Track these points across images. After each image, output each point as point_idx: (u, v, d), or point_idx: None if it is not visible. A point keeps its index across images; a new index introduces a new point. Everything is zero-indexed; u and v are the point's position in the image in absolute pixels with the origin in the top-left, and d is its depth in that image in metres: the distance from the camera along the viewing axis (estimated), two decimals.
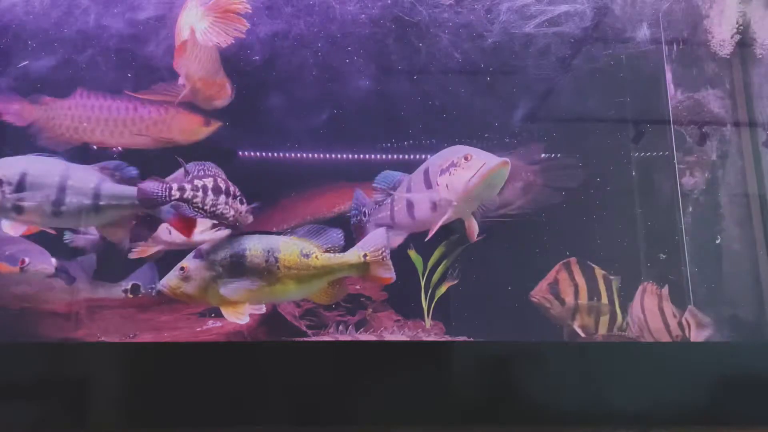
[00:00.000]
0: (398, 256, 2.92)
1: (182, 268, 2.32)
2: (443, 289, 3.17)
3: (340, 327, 2.89)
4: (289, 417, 1.97)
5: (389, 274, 2.43)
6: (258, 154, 3.54)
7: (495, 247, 3.14)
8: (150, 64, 2.98)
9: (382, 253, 2.42)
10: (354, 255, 2.40)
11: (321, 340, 2.81)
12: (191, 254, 2.35)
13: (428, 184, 2.65)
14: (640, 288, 3.02)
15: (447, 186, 2.55)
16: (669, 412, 2.04)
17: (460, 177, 2.52)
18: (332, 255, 2.40)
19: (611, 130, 3.62)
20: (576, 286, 3.12)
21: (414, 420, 1.99)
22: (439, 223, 2.57)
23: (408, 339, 2.89)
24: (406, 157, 3.48)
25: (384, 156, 3.53)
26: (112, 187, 2.44)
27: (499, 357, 2.10)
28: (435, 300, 3.15)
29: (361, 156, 3.57)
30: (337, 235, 2.43)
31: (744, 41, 3.20)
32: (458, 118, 3.36)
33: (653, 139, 3.51)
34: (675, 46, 3.35)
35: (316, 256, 2.37)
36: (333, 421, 1.98)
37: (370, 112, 3.33)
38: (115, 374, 2.00)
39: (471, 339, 2.80)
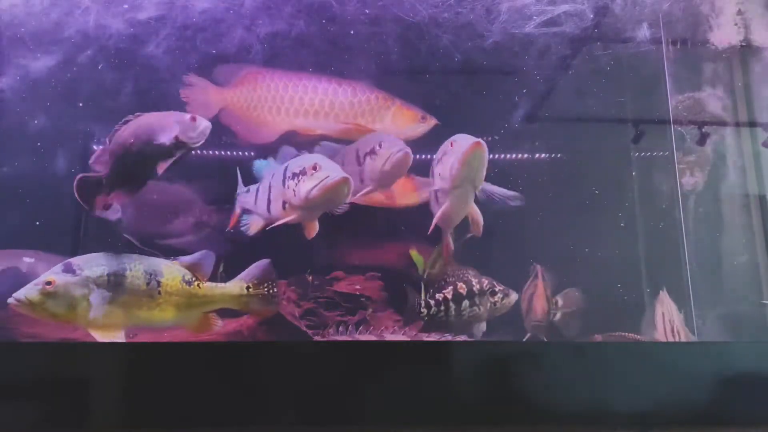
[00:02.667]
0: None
1: (48, 282, 2.09)
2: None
3: (340, 327, 2.89)
4: (289, 417, 1.97)
5: (270, 307, 2.38)
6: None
7: (494, 246, 3.14)
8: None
9: (267, 286, 2.35)
10: (236, 286, 2.34)
11: (321, 340, 2.80)
12: (58, 267, 2.16)
13: (431, 175, 2.67)
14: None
15: (440, 174, 2.58)
16: (669, 412, 2.04)
17: (446, 163, 2.55)
18: (214, 285, 2.31)
19: (611, 130, 3.62)
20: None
21: (414, 420, 1.99)
22: (439, 214, 2.58)
23: (408, 339, 2.89)
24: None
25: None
26: None
27: (499, 357, 2.10)
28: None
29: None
30: (209, 260, 2.33)
31: (744, 41, 3.20)
32: (458, 118, 3.36)
33: (653, 139, 3.51)
34: (675, 46, 3.35)
35: (198, 285, 2.28)
36: (333, 421, 1.98)
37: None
38: (115, 374, 2.00)
39: (471, 339, 2.80)
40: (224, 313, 2.56)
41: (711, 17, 3.19)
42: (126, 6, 2.89)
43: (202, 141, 2.32)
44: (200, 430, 1.96)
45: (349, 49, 3.15)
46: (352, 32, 3.10)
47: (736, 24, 3.17)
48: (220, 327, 2.45)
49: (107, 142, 2.35)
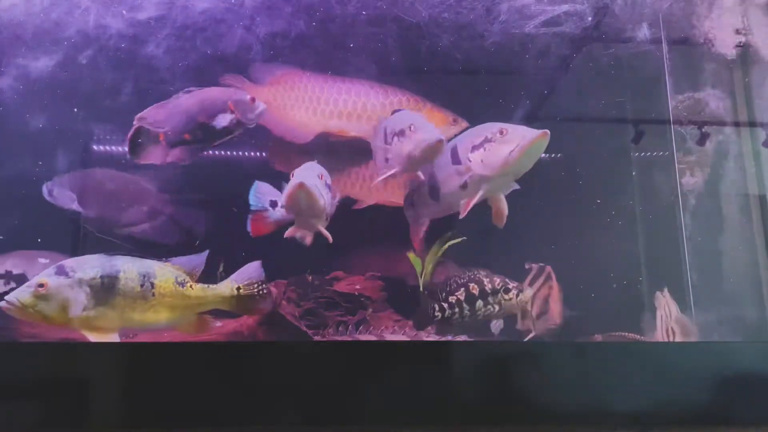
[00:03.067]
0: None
1: (41, 285, 2.08)
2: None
3: (340, 327, 2.89)
4: (289, 417, 1.97)
5: (262, 308, 2.40)
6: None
7: (491, 246, 3.14)
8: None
9: (257, 287, 2.36)
10: (227, 288, 2.34)
11: (321, 340, 2.80)
12: (50, 269, 2.16)
13: (456, 161, 2.58)
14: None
15: (482, 161, 2.48)
16: (669, 412, 2.04)
17: (497, 151, 2.45)
18: (206, 286, 2.32)
19: (611, 130, 3.63)
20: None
21: (414, 420, 1.99)
22: (474, 201, 2.51)
23: (408, 339, 2.89)
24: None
25: None
26: None
27: (499, 357, 2.10)
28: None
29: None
30: (199, 260, 2.35)
31: (744, 41, 3.20)
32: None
33: (653, 139, 3.51)
34: (675, 45, 3.35)
35: (191, 286, 2.28)
36: (333, 421, 1.98)
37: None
38: (115, 374, 2.00)
39: (471, 339, 2.80)
40: (224, 314, 2.56)
41: (711, 17, 3.19)
42: (126, 6, 2.89)
43: (255, 124, 2.48)
44: (200, 430, 1.97)
45: (349, 49, 3.15)
46: (352, 32, 3.10)
47: (736, 24, 3.17)
48: (215, 328, 2.47)
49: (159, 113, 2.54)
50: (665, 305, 3.00)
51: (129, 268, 2.20)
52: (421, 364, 2.06)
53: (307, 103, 2.92)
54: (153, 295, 2.21)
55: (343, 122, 2.94)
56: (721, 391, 2.07)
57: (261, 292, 2.38)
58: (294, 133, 2.93)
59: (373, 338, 2.84)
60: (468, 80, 3.40)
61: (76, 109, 3.11)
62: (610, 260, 3.40)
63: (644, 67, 3.36)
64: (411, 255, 3.10)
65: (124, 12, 2.86)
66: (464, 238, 2.99)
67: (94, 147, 3.32)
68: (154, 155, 2.61)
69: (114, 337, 2.18)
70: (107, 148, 3.35)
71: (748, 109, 3.39)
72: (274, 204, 2.63)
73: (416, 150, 2.55)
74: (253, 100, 2.49)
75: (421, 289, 3.09)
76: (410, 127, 2.59)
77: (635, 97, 3.53)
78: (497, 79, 3.38)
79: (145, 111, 2.61)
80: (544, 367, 2.09)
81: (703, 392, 2.08)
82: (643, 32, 3.13)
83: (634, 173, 3.57)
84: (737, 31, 3.17)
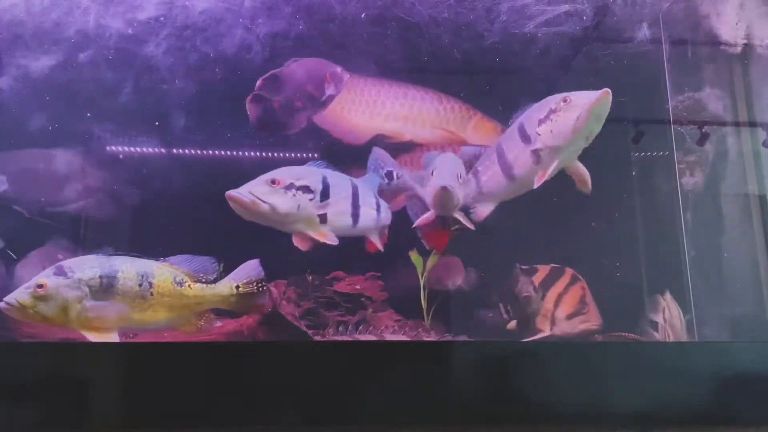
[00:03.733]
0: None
1: (40, 285, 2.09)
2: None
3: (340, 327, 2.89)
4: (289, 417, 1.97)
5: (262, 306, 2.40)
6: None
7: (488, 245, 3.14)
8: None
9: (256, 285, 2.37)
10: (226, 286, 2.35)
11: (321, 340, 2.80)
12: (50, 269, 2.17)
13: (526, 139, 2.62)
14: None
15: (551, 132, 2.54)
16: (669, 412, 2.04)
17: (565, 119, 2.52)
18: (204, 285, 2.32)
19: (611, 130, 3.62)
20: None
21: (414, 420, 1.99)
22: (549, 172, 2.56)
23: (408, 339, 2.89)
24: (407, 156, 3.48)
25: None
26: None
27: (499, 357, 2.10)
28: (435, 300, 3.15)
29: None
30: (211, 265, 2.36)
31: (744, 41, 3.20)
32: None
33: (653, 139, 3.51)
34: (675, 45, 3.35)
35: (189, 285, 2.30)
36: (333, 421, 1.98)
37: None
38: (115, 374, 2.00)
39: (471, 339, 2.80)
40: (225, 314, 2.56)
41: (711, 17, 3.19)
42: (126, 6, 2.89)
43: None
44: (200, 430, 1.97)
45: (349, 49, 3.15)
46: (352, 32, 3.10)
47: (736, 24, 3.17)
48: (215, 327, 2.47)
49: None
50: (666, 308, 2.99)
51: (127, 268, 2.22)
52: (421, 364, 2.06)
53: (364, 107, 2.98)
54: (151, 294, 2.22)
55: (399, 125, 3.01)
56: (721, 391, 2.07)
57: (261, 290, 2.37)
58: (351, 135, 3.02)
59: (373, 338, 2.84)
60: (468, 80, 3.40)
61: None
62: (610, 260, 3.40)
63: (644, 67, 3.36)
64: (413, 254, 3.10)
65: (124, 8, 2.87)
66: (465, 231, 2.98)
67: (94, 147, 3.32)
68: (275, 125, 2.69)
69: (113, 337, 2.19)
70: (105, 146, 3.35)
71: (748, 109, 3.39)
72: (389, 175, 2.74)
73: (430, 198, 2.65)
74: (343, 71, 2.63)
75: (422, 288, 3.10)
76: (432, 172, 2.67)
77: (635, 97, 3.53)
78: (497, 79, 3.38)
79: (260, 81, 2.69)
80: (544, 367, 2.09)
81: (703, 392, 2.08)
82: (643, 32, 3.13)
83: (634, 173, 3.57)
84: (737, 31, 3.17)
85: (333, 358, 2.08)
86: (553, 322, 3.03)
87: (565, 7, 2.98)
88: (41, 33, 2.88)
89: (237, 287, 2.36)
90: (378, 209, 2.73)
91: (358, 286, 3.08)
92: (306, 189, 2.49)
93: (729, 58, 3.35)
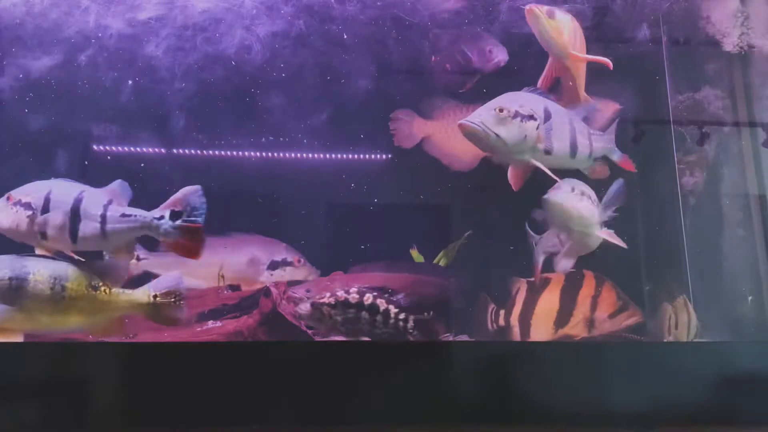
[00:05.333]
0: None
1: None
2: None
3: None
4: (289, 417, 1.97)
5: (177, 319, 2.35)
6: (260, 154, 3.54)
7: (492, 246, 3.14)
8: None
9: (174, 297, 2.33)
10: (143, 294, 2.31)
11: (321, 340, 2.80)
12: None
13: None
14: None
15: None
16: (669, 412, 2.04)
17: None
18: (121, 291, 2.29)
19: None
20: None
21: (414, 420, 1.99)
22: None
23: (408, 339, 2.88)
24: (408, 157, 3.48)
25: (384, 156, 3.53)
26: (116, 210, 2.36)
27: (499, 357, 2.10)
28: None
29: (361, 156, 3.57)
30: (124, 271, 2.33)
31: (744, 41, 3.20)
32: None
33: (653, 139, 3.51)
34: (675, 45, 3.35)
35: (105, 290, 2.26)
36: (333, 421, 1.98)
37: (370, 112, 3.33)
38: (115, 374, 2.00)
39: (471, 339, 2.80)
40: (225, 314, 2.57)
41: (711, 17, 3.19)
42: (126, 6, 2.89)
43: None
44: (200, 430, 1.97)
45: (350, 49, 3.16)
46: (352, 32, 3.10)
47: (736, 24, 3.17)
48: (215, 328, 2.47)
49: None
50: (672, 315, 2.94)
51: (40, 270, 2.18)
52: (421, 364, 2.06)
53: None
54: (63, 298, 2.19)
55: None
56: (721, 391, 2.07)
57: (177, 303, 2.34)
58: (459, 161, 3.16)
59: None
60: (467, 80, 3.39)
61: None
62: (610, 260, 3.39)
63: (644, 67, 3.36)
64: (414, 252, 3.10)
65: (125, 8, 2.87)
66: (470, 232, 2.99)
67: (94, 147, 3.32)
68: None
69: (18, 339, 2.17)
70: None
71: (748, 109, 3.39)
72: None
73: None
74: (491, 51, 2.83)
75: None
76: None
77: (635, 97, 3.53)
78: (497, 79, 3.38)
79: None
80: (544, 367, 2.09)
81: (703, 392, 2.07)
82: (643, 32, 3.13)
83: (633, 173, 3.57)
84: (737, 31, 3.17)
85: (333, 358, 2.08)
86: (592, 325, 2.97)
87: (565, 7, 2.98)
88: (41, 33, 2.88)
89: (155, 296, 2.32)
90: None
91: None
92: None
93: (729, 58, 3.35)
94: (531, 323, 2.98)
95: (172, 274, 2.39)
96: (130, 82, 3.04)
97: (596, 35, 3.22)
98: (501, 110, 2.43)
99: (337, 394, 1.99)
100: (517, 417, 2.03)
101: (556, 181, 2.55)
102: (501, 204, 3.22)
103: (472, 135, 2.41)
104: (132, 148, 3.36)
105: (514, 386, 2.06)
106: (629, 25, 3.14)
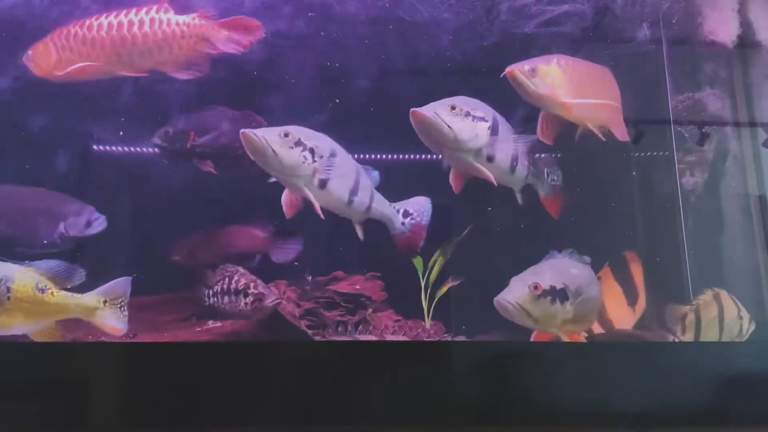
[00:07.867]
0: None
1: None
2: (444, 289, 3.16)
3: (340, 327, 2.89)
4: (289, 417, 1.97)
5: (120, 325, 2.33)
6: None
7: (491, 245, 3.14)
8: None
9: (120, 302, 2.33)
10: (93, 298, 2.30)
11: (321, 340, 2.80)
12: None
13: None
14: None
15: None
16: (669, 412, 2.04)
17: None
18: (69, 294, 2.26)
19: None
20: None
21: (414, 420, 1.99)
22: None
23: (408, 339, 2.89)
24: (407, 157, 3.48)
25: (384, 156, 3.53)
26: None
27: (499, 357, 2.10)
28: (435, 300, 3.15)
29: (361, 156, 3.56)
30: (78, 273, 2.30)
31: (744, 41, 3.20)
32: None
33: (653, 139, 3.51)
34: (675, 45, 3.35)
35: (52, 293, 2.24)
36: (333, 421, 1.98)
37: (371, 112, 3.33)
38: (115, 374, 2.00)
39: (471, 339, 2.80)
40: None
41: (711, 17, 3.19)
42: (126, 6, 2.88)
43: None
44: (200, 430, 1.97)
45: (349, 49, 3.15)
46: (352, 32, 3.10)
47: (736, 23, 3.17)
48: (216, 328, 2.48)
49: None
50: (690, 313, 2.86)
51: None
52: (421, 364, 2.06)
53: None
54: (8, 299, 2.16)
55: None
56: (721, 391, 2.07)
57: (122, 309, 2.32)
58: None
59: (373, 338, 2.84)
60: (468, 80, 3.39)
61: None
62: (610, 261, 3.39)
63: (644, 67, 3.36)
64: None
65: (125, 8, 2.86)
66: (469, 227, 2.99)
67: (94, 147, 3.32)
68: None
69: None
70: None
71: (748, 109, 3.39)
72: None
73: None
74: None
75: (422, 288, 3.10)
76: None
77: (635, 97, 3.53)
78: (497, 79, 3.38)
79: None
80: (544, 367, 2.09)
81: (703, 392, 2.08)
82: (643, 32, 3.13)
83: (634, 173, 3.57)
84: (738, 31, 3.17)
85: (333, 358, 2.08)
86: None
87: (565, 7, 2.98)
88: (42, 33, 2.88)
89: (104, 302, 2.31)
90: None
91: (358, 286, 3.08)
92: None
93: (729, 58, 3.35)
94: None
95: (122, 280, 2.37)
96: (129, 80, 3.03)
97: (596, 35, 3.23)
98: (453, 107, 2.44)
99: (337, 394, 1.99)
100: (517, 417, 2.03)
101: (494, 186, 2.56)
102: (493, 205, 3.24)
103: (424, 124, 2.38)
104: (132, 149, 3.36)
105: (514, 386, 2.06)
106: (629, 25, 3.13)
